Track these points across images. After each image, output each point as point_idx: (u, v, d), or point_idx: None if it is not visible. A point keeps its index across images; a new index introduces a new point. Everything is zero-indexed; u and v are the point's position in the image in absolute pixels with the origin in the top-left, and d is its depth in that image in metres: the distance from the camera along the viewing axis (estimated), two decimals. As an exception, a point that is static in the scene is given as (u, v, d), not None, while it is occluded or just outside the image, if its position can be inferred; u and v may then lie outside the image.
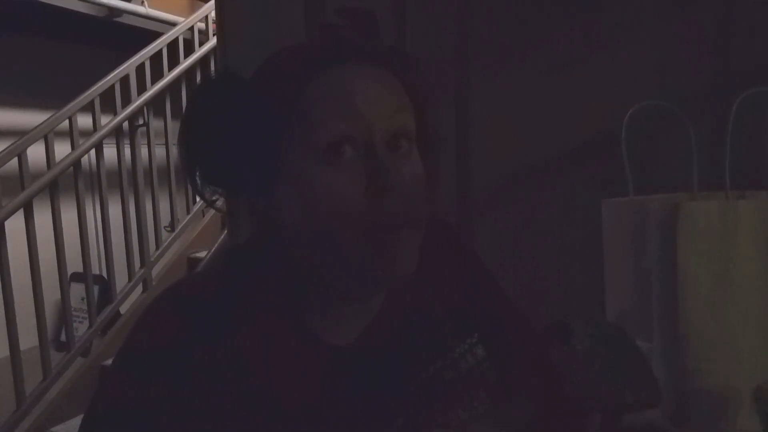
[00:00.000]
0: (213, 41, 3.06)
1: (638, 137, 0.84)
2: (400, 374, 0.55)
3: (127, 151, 2.62)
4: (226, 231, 2.84)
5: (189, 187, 3.08)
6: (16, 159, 2.07)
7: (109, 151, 2.53)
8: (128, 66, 2.56)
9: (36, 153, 2.16)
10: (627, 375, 0.53)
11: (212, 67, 3.07)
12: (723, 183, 0.76)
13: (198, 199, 3.04)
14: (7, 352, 2.05)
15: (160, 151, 2.79)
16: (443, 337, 0.58)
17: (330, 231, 0.46)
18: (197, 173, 0.51)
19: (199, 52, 2.99)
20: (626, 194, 0.83)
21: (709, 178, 0.80)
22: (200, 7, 3.24)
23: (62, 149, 2.27)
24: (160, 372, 0.47)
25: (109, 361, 2.40)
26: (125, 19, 3.31)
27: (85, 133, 2.38)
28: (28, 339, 2.12)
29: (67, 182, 2.34)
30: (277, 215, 0.50)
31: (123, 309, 2.60)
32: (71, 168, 2.31)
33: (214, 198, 0.54)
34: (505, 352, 0.61)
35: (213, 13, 3.08)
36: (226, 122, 0.49)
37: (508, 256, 1.14)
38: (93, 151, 2.42)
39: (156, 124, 2.77)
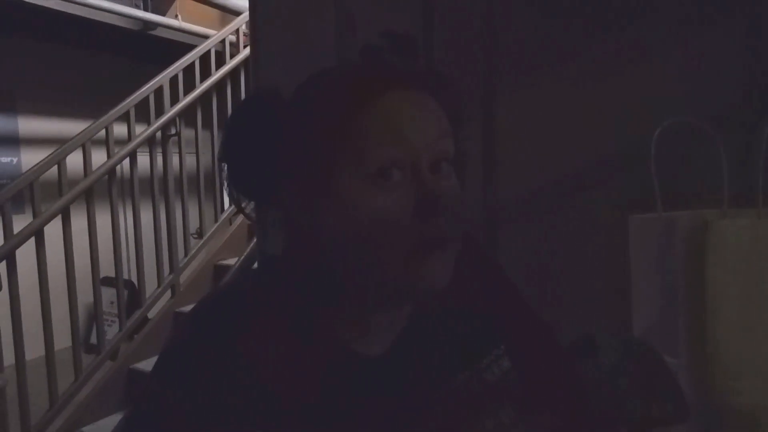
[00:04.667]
0: (243, 53, 3.13)
1: (668, 153, 0.84)
2: (427, 385, 0.56)
3: (160, 159, 2.70)
4: (255, 240, 2.88)
5: (217, 195, 3.15)
6: (55, 166, 2.16)
7: (143, 160, 2.61)
8: (162, 78, 2.64)
9: (73, 161, 2.25)
10: (653, 389, 0.53)
11: (243, 79, 3.14)
12: (754, 200, 0.76)
13: (225, 207, 3.10)
14: (40, 353, 2.12)
15: (190, 160, 2.86)
16: (470, 348, 0.59)
17: (375, 248, 0.49)
18: (238, 187, 0.54)
19: (230, 64, 3.07)
20: (654, 210, 0.83)
21: (738, 194, 0.79)
22: (231, 20, 3.33)
23: (98, 157, 2.35)
24: (193, 381, 0.49)
25: (137, 365, 2.47)
26: (160, 32, 3.42)
27: (120, 142, 2.46)
28: (59, 340, 2.19)
29: (102, 189, 2.42)
30: (316, 229, 0.52)
31: (151, 314, 2.66)
32: (106, 175, 2.39)
33: (248, 211, 0.56)
34: (531, 365, 0.61)
35: (244, 27, 3.18)
36: (273, 142, 0.51)
37: (533, 270, 1.14)
38: (127, 159, 2.50)
39: (187, 133, 2.85)
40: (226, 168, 0.54)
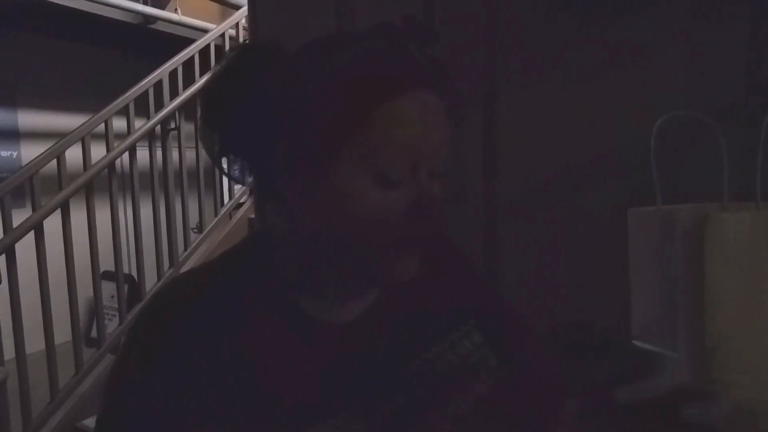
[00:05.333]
0: (243, 47, 3.12)
1: (668, 146, 0.84)
2: (398, 355, 0.56)
3: (159, 153, 2.70)
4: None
5: (217, 190, 3.13)
6: (54, 160, 2.15)
7: (142, 154, 2.60)
8: (162, 71, 2.63)
9: (73, 155, 2.25)
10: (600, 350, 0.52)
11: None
12: (753, 194, 0.76)
13: (225, 202, 3.10)
14: (40, 346, 2.12)
15: (190, 154, 2.86)
16: (440, 323, 0.60)
17: (358, 239, 0.49)
18: (223, 142, 0.51)
19: (229, 58, 3.05)
20: (654, 204, 0.83)
21: (739, 188, 0.79)
22: (231, 14, 3.32)
23: (97, 151, 2.35)
24: (158, 363, 0.48)
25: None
26: (159, 26, 3.41)
27: (120, 136, 2.46)
28: (59, 334, 2.19)
29: (102, 183, 2.42)
30: (302, 206, 0.51)
31: (151, 308, 2.66)
32: (106, 169, 2.39)
33: (229, 165, 0.53)
34: (500, 340, 0.62)
35: (243, 21, 3.17)
36: (269, 102, 0.48)
37: (533, 264, 1.14)
38: (127, 154, 2.50)
39: (187, 128, 2.84)
40: (204, 108, 0.50)
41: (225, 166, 0.53)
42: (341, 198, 0.48)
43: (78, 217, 2.27)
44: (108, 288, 2.90)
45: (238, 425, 0.48)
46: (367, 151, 0.47)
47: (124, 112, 2.46)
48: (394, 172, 0.47)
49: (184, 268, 2.80)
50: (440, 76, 0.51)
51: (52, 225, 2.16)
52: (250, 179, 0.53)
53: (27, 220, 2.07)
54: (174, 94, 2.72)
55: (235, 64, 0.50)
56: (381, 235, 0.48)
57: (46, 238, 2.12)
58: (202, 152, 2.97)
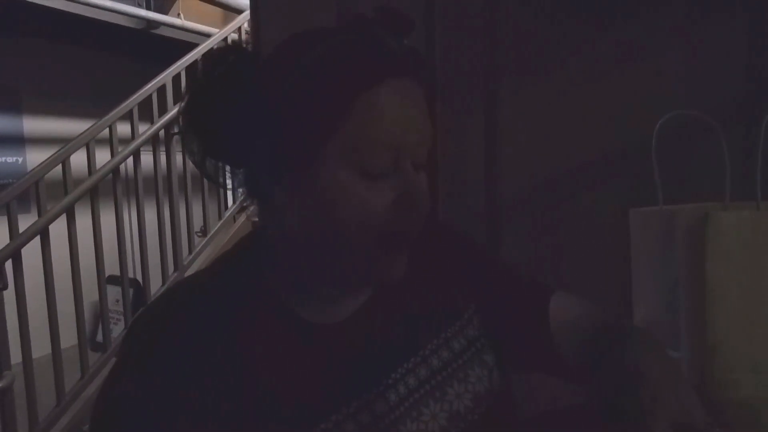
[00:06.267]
0: (246, 52, 3.13)
1: (669, 146, 0.84)
2: (391, 354, 0.55)
3: (163, 158, 2.71)
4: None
5: (221, 193, 3.13)
6: (59, 165, 2.17)
7: (146, 158, 2.61)
8: (165, 76, 2.65)
9: (78, 160, 2.26)
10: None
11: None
12: (755, 193, 0.76)
13: (229, 205, 3.11)
14: (47, 351, 2.13)
15: (193, 158, 2.86)
16: (434, 319, 0.59)
17: (349, 234, 0.48)
18: (207, 147, 0.50)
19: (232, 63, 3.07)
20: (656, 204, 0.83)
21: (740, 188, 0.79)
22: (233, 18, 3.33)
23: (102, 156, 2.36)
24: (154, 369, 0.49)
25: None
26: (162, 31, 3.44)
27: (124, 141, 2.47)
28: (65, 338, 2.20)
29: (106, 188, 2.43)
30: (288, 204, 0.50)
31: (156, 311, 2.67)
32: (111, 174, 2.40)
33: (219, 177, 0.53)
34: (504, 321, 0.61)
35: (246, 25, 3.18)
36: (248, 101, 0.48)
37: (535, 264, 1.14)
38: (131, 158, 2.51)
39: (190, 132, 2.85)
40: (185, 111, 0.50)
41: (210, 171, 0.53)
42: (327, 194, 0.47)
43: (83, 221, 2.28)
44: (113, 292, 2.91)
45: (233, 429, 0.48)
46: (349, 144, 0.46)
47: (128, 116, 2.47)
48: (377, 165, 0.47)
49: (189, 272, 2.81)
50: (417, 64, 0.50)
51: (58, 230, 2.17)
52: (233, 182, 0.54)
53: (33, 225, 2.08)
54: (177, 98, 2.73)
55: (213, 69, 0.50)
56: (369, 230, 0.48)
57: (51, 243, 2.13)
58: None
